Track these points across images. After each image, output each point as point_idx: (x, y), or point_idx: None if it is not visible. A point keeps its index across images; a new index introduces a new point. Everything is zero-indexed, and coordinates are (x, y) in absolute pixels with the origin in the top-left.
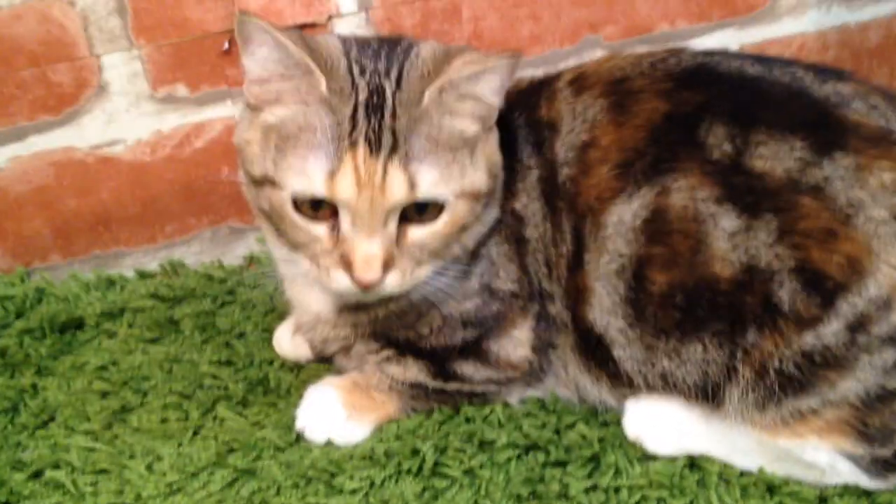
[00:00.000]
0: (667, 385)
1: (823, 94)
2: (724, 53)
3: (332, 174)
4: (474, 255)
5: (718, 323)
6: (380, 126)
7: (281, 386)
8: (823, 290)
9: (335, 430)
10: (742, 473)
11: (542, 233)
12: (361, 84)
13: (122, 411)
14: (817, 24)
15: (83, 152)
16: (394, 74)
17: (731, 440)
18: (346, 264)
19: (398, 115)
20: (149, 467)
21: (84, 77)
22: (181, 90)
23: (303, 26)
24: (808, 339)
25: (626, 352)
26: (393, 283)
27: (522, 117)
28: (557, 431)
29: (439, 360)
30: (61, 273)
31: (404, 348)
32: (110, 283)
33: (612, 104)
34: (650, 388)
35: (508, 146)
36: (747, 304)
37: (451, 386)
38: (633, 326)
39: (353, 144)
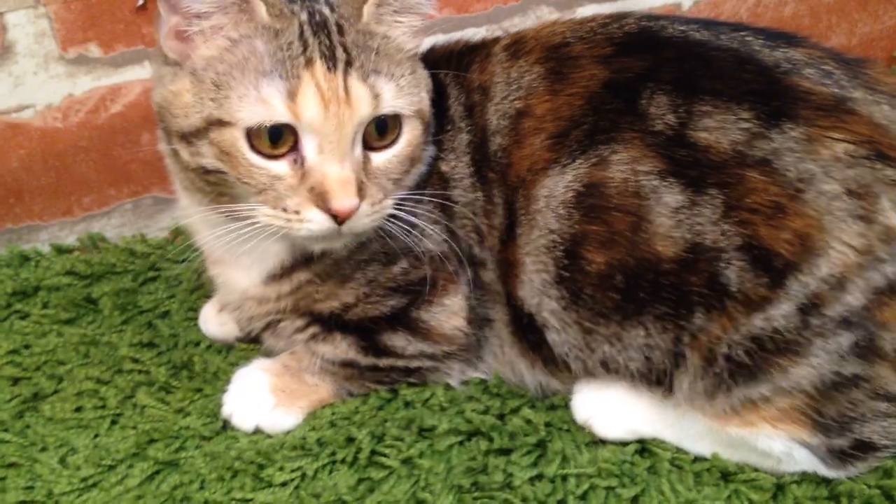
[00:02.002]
0: (608, 372)
1: (773, 61)
2: (669, 18)
3: (293, 95)
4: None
5: (662, 305)
6: (331, 41)
7: (207, 369)
8: (772, 268)
9: (264, 418)
10: (696, 459)
11: (470, 199)
12: (297, 9)
13: (34, 399)
14: None
15: None
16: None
17: (682, 425)
18: (319, 196)
19: (345, 30)
20: (62, 461)
21: None
22: (94, 50)
23: None
24: (758, 323)
25: (560, 336)
26: (364, 213)
27: (450, 76)
28: (502, 416)
29: (368, 333)
30: None
31: (331, 323)
32: (24, 259)
33: (548, 70)
34: (589, 375)
35: (437, 102)
36: (692, 285)
37: (384, 362)
38: (567, 309)
39: (310, 61)
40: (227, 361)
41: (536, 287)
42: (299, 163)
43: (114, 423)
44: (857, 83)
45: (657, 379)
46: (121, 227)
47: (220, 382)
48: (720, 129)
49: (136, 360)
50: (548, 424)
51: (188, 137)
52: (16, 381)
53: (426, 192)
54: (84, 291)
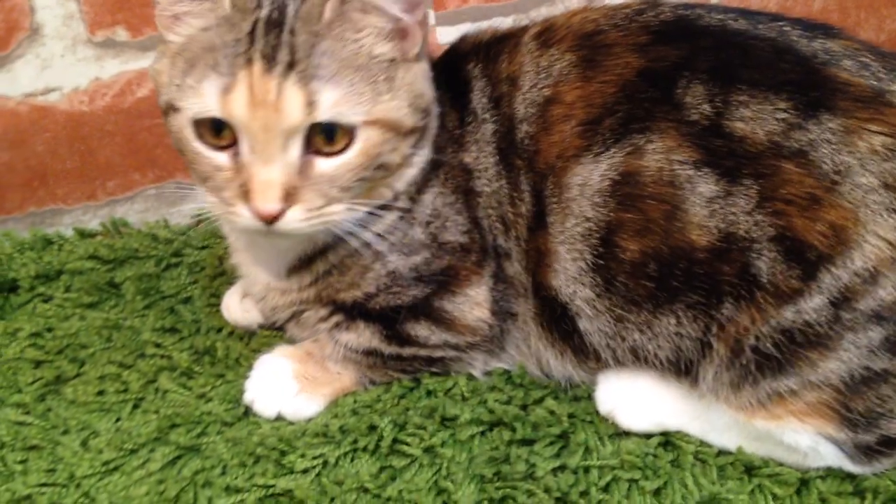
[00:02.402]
0: (637, 360)
1: (811, 51)
2: (706, 6)
3: (227, 91)
4: (413, 201)
5: (694, 294)
6: (278, 42)
7: (229, 355)
8: (805, 260)
9: (286, 404)
10: (719, 453)
11: (495, 189)
12: (264, 2)
13: (56, 382)
14: None
15: (15, 101)
16: None
17: (708, 417)
18: (245, 194)
19: (297, 30)
20: (84, 444)
21: (14, 19)
22: (121, 34)
23: None
24: (788, 315)
25: (593, 324)
26: (296, 217)
27: (479, 68)
28: (524, 407)
29: (391, 322)
30: None
31: (354, 312)
32: (47, 242)
33: (581, 59)
34: (619, 364)
35: (460, 97)
36: (724, 275)
37: (407, 351)
38: (601, 297)
39: (249, 61)
40: (250, 348)
41: (572, 275)
42: (237, 157)
43: (136, 407)
44: (894, 76)
45: (685, 369)
46: (144, 213)
47: (243, 369)
48: (756, 120)
49: (158, 345)
50: (571, 416)
51: (165, 115)
52: (38, 363)
53: (448, 185)
54: (107, 276)
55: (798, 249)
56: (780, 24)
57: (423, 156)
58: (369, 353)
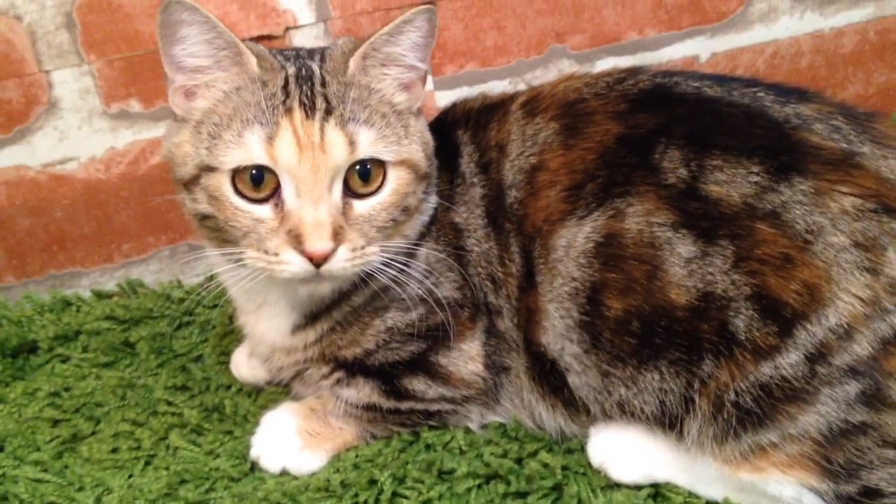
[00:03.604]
0: (624, 414)
1: (783, 116)
2: (683, 74)
3: (271, 139)
4: (410, 255)
5: (675, 350)
6: (312, 92)
7: (238, 412)
8: (781, 318)
9: (291, 459)
10: (707, 503)
11: (484, 249)
12: (287, 63)
13: (72, 440)
14: (790, 30)
15: (35, 171)
16: (317, 56)
17: (695, 469)
18: (296, 239)
19: (328, 82)
20: (98, 500)
21: (33, 93)
22: (135, 105)
23: (258, 38)
24: (766, 371)
25: (581, 379)
26: (343, 257)
27: (468, 135)
28: (519, 460)
29: (389, 378)
30: (16, 294)
31: (354, 368)
32: (66, 304)
33: (563, 127)
34: (607, 418)
35: (450, 161)
36: (703, 332)
37: (405, 405)
38: (588, 353)
39: (289, 110)
40: (257, 405)
41: (560, 332)
42: (280, 207)
43: (147, 463)
44: (864, 138)
45: (669, 423)
46: (158, 273)
47: (250, 425)
48: (731, 183)
49: (170, 403)
50: (564, 468)
51: (188, 185)
52: (56, 422)
53: (440, 241)
54: (122, 335)
55: (773, 307)
56: (755, 89)
57: (432, 202)
58: (369, 407)
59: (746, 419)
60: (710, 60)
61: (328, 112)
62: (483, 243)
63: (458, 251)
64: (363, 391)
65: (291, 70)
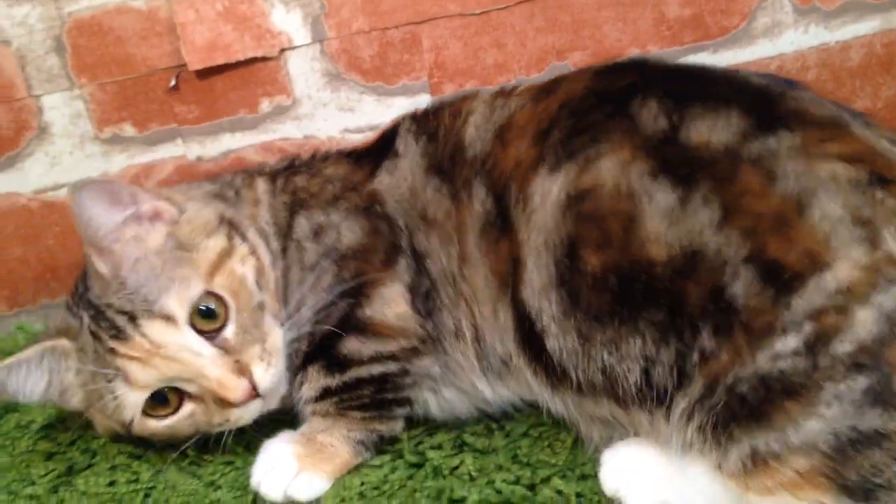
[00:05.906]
0: (608, 382)
1: (765, 83)
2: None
3: (127, 380)
4: (287, 238)
5: (657, 311)
6: (107, 319)
7: (238, 442)
8: (780, 281)
9: (290, 484)
10: None
11: (406, 195)
12: (83, 321)
13: (68, 473)
14: (795, 44)
15: (26, 197)
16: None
17: (711, 494)
18: (223, 400)
19: (111, 300)
20: None
21: (24, 119)
22: (128, 130)
23: (253, 60)
24: (765, 357)
25: (559, 342)
26: (261, 371)
27: (411, 114)
28: (532, 486)
29: (328, 352)
30: (7, 325)
31: (304, 362)
32: None
33: (538, 91)
34: (593, 390)
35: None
36: (690, 295)
37: (349, 374)
38: (566, 314)
39: (111, 350)
40: (258, 434)
41: (537, 288)
42: (194, 396)
43: (146, 496)
44: (851, 117)
45: (657, 399)
46: None
47: (250, 455)
48: (712, 131)
49: None
50: (578, 495)
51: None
52: (50, 455)
53: (341, 200)
54: None
55: (773, 270)
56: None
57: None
58: (324, 393)
59: (739, 409)
60: None
61: (132, 318)
62: (409, 193)
63: (368, 206)
64: (313, 378)
65: (86, 318)
